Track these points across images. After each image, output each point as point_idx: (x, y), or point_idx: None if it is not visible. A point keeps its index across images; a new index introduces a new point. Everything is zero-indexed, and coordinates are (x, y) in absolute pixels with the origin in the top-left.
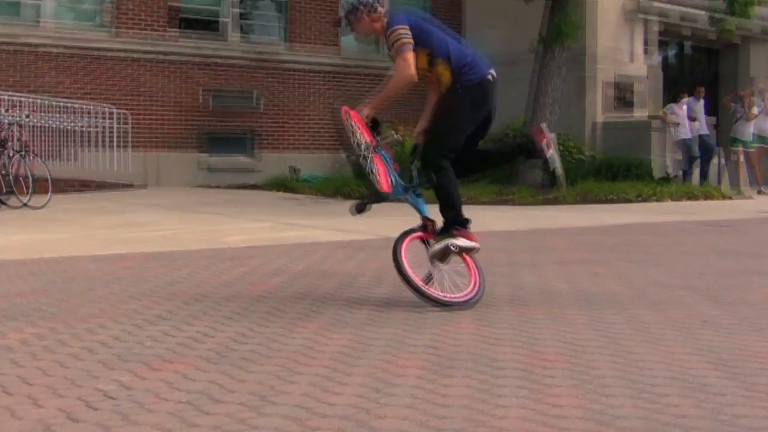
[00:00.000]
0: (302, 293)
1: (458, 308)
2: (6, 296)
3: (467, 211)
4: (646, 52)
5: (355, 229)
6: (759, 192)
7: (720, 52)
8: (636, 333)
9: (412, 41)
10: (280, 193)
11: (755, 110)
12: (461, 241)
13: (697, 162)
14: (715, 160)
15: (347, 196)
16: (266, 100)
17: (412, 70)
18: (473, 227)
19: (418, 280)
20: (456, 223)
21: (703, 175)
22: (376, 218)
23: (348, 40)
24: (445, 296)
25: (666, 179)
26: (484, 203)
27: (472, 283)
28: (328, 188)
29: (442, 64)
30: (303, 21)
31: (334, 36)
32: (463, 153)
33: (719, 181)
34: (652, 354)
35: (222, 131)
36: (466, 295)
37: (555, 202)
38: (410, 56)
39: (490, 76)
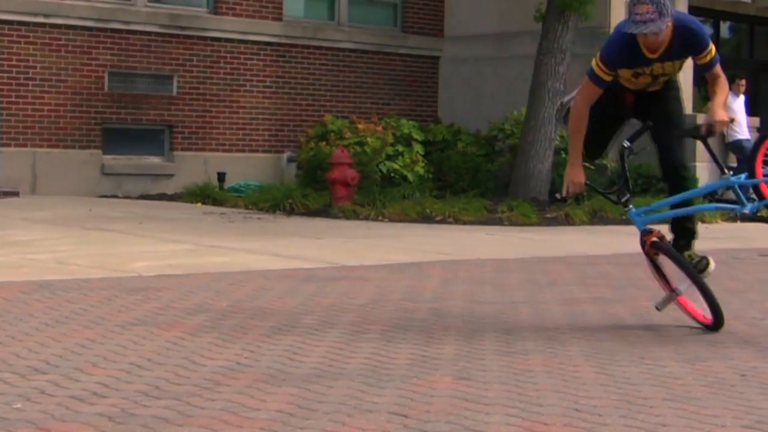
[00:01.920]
0: (229, 337)
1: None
2: None
3: (443, 231)
4: None
5: (300, 255)
6: None
7: None
8: (659, 390)
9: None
10: (203, 206)
11: None
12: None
13: None
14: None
15: (290, 212)
16: (185, 84)
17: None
18: (443, 252)
19: None
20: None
21: None
22: (326, 239)
23: (293, 5)
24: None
25: (714, 193)
26: (467, 222)
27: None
28: (265, 200)
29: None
30: None
31: None
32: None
33: None
34: (677, 417)
35: (126, 124)
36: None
37: (560, 222)
38: None
39: None
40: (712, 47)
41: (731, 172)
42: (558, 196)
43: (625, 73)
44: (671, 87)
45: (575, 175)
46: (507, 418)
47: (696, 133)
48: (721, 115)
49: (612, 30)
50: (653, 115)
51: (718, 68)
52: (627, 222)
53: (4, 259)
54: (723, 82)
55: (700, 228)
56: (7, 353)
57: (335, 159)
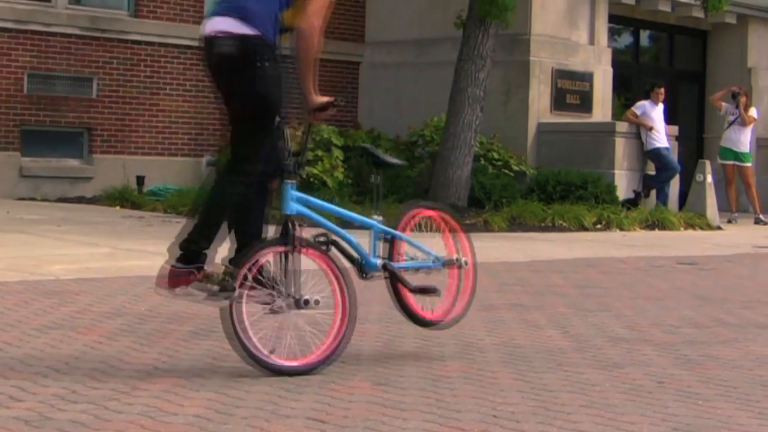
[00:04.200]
0: (146, 341)
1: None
2: None
3: (362, 237)
4: (593, 41)
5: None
6: (757, 221)
7: (709, 35)
8: (577, 396)
9: None
10: (121, 210)
11: (753, 112)
12: None
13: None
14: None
15: None
16: (104, 86)
17: None
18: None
19: None
20: None
21: (663, 198)
22: None
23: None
24: None
25: (633, 201)
26: None
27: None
28: (184, 204)
29: None
30: None
31: (196, 3)
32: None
33: (680, 207)
34: (595, 423)
35: (45, 126)
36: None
37: (479, 228)
38: None
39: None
40: None
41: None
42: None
43: None
44: None
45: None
46: (425, 424)
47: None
48: (314, 100)
49: None
50: None
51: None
52: (545, 229)
53: None
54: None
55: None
56: None
57: None
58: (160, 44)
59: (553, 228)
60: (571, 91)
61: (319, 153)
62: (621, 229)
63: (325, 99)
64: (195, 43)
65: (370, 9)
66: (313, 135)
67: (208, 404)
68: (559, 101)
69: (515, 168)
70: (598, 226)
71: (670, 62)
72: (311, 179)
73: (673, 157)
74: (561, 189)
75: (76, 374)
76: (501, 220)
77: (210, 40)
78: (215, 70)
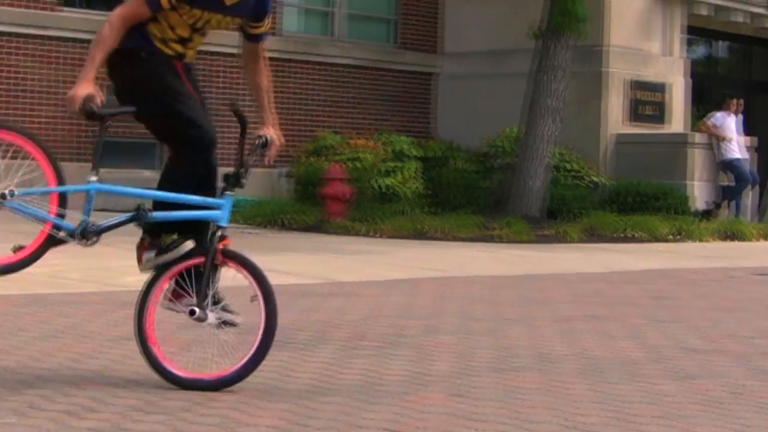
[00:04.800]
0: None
1: None
2: None
3: (437, 248)
4: (668, 52)
5: (293, 271)
6: None
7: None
8: (651, 407)
9: None
10: None
11: None
12: None
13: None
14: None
15: (284, 227)
16: None
17: None
18: (436, 268)
19: None
20: None
21: (738, 209)
22: (320, 255)
23: (290, 20)
24: None
25: (708, 212)
26: (461, 239)
27: None
28: (258, 216)
29: None
30: None
31: (272, 14)
32: None
33: (760, 218)
34: None
35: (120, 137)
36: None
37: (554, 239)
38: None
39: None
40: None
41: None
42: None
43: (187, 17)
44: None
45: (82, 89)
46: None
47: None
48: (280, 136)
49: None
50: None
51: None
52: (620, 240)
53: None
54: (268, 68)
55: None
56: None
57: (330, 174)
58: (236, 55)
59: (628, 239)
60: (646, 102)
61: (395, 164)
62: (700, 241)
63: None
64: (271, 55)
65: (446, 20)
66: (387, 146)
67: (283, 415)
68: (633, 112)
69: (591, 179)
70: (673, 237)
71: (748, 73)
72: (387, 190)
73: (747, 168)
74: (636, 200)
75: (151, 385)
76: (576, 231)
77: None
78: None
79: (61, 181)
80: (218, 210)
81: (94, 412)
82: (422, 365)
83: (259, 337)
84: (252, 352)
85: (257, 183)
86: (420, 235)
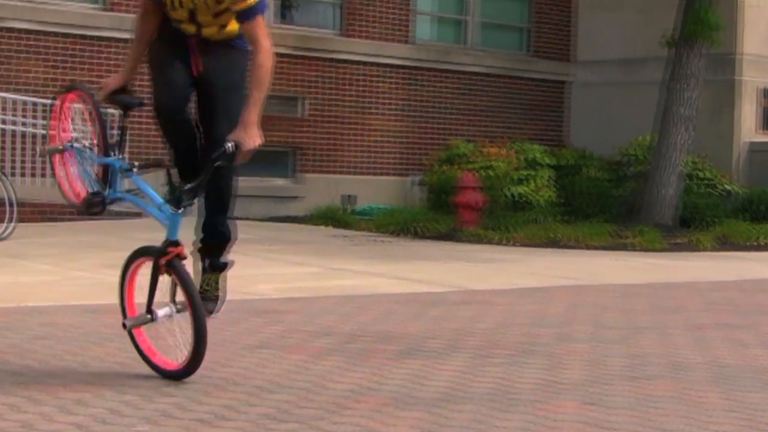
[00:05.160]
0: (354, 361)
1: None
2: None
3: (570, 256)
4: None
5: (426, 279)
6: None
7: None
8: None
9: None
10: (329, 229)
11: None
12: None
13: None
14: None
15: (417, 235)
16: (313, 106)
17: (270, 44)
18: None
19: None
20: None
21: None
22: (453, 263)
23: (422, 29)
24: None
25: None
26: (594, 248)
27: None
28: (391, 224)
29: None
30: (364, 2)
31: (405, 22)
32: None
33: None
34: None
35: None
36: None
37: (687, 248)
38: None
39: None
40: None
41: None
42: None
43: None
44: (236, 55)
45: (112, 79)
46: None
47: (223, 156)
48: (253, 137)
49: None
50: (210, 89)
51: (259, 26)
52: (754, 248)
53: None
54: (264, 59)
55: None
56: (131, 375)
57: (463, 183)
58: (369, 63)
59: (761, 247)
60: None
61: (528, 173)
62: None
63: None
64: (403, 63)
65: (579, 28)
66: (520, 154)
67: (417, 423)
68: (766, 120)
69: (724, 187)
70: None
71: None
72: (520, 198)
73: None
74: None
75: (284, 393)
76: (709, 240)
77: None
78: None
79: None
80: (166, 220)
81: (226, 420)
82: (555, 373)
83: (191, 346)
84: (188, 357)
85: (390, 191)
86: (552, 243)
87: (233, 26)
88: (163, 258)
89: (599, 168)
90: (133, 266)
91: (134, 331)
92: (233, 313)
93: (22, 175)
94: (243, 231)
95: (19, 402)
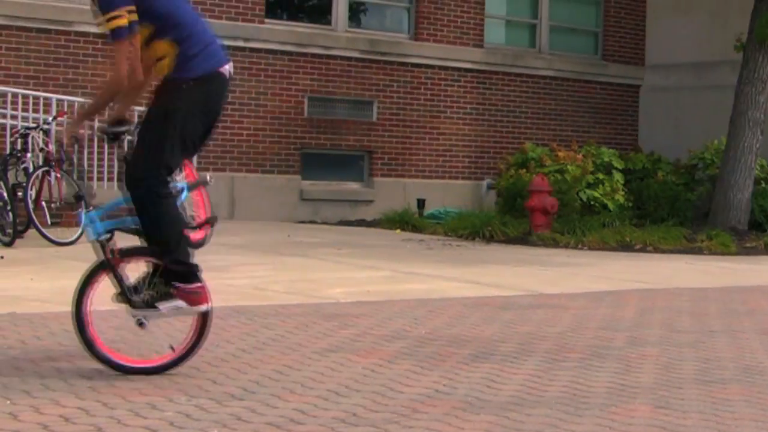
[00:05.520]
0: (426, 364)
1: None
2: (36, 359)
3: (642, 260)
4: None
5: (498, 283)
6: None
7: None
8: None
9: (126, 20)
10: (401, 233)
11: None
12: (177, 303)
13: None
14: None
15: (488, 239)
16: (384, 109)
17: (124, 71)
18: (641, 280)
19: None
20: (177, 276)
21: None
22: (524, 267)
23: (494, 32)
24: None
25: None
26: (666, 251)
27: (181, 347)
28: (463, 228)
29: (167, 43)
30: (435, 5)
31: (476, 26)
32: None
33: None
34: None
35: (325, 149)
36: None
37: (759, 251)
38: (124, 48)
39: (226, 71)
40: (115, 14)
41: None
42: None
43: None
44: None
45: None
46: None
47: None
48: (72, 129)
49: None
50: None
51: (115, 51)
52: None
53: None
54: (110, 79)
55: None
56: (203, 379)
57: (534, 187)
58: (440, 67)
59: None
60: None
61: (600, 176)
62: None
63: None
64: (475, 66)
65: (649, 32)
66: (591, 158)
67: (489, 427)
68: None
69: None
70: None
71: None
72: (591, 202)
73: None
74: None
75: (356, 397)
76: None
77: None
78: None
79: None
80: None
81: (298, 424)
82: (627, 377)
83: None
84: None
85: (461, 194)
86: (624, 247)
87: (165, 61)
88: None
89: (670, 172)
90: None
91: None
92: (304, 317)
93: (99, 179)
94: (314, 235)
95: (91, 406)
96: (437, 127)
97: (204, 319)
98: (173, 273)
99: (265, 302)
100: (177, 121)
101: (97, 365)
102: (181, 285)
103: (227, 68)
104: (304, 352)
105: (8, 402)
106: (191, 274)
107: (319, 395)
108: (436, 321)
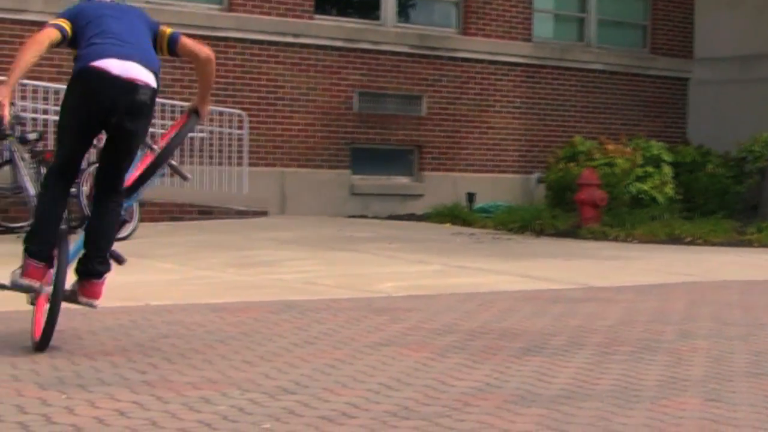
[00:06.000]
0: (476, 358)
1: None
2: (91, 354)
3: (691, 253)
4: None
5: (548, 276)
6: None
7: None
8: None
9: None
10: (450, 227)
11: None
12: (16, 278)
13: None
14: None
15: (539, 233)
16: (433, 104)
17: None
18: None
19: None
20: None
21: None
22: (574, 261)
23: (542, 26)
24: None
25: None
26: (715, 244)
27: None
28: (513, 221)
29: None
30: (483, 0)
31: (525, 20)
32: (96, 179)
33: None
34: None
35: (374, 144)
36: None
37: None
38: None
39: (96, 65)
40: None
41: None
42: None
43: None
44: None
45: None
46: None
47: None
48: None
49: None
50: None
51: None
52: None
53: (252, 279)
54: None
55: None
56: (256, 373)
57: (584, 180)
58: (489, 62)
59: None
60: None
61: (649, 169)
62: None
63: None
64: (524, 61)
65: (696, 25)
66: (640, 151)
67: (540, 420)
68: None
69: None
70: None
71: None
72: (641, 195)
73: None
74: None
75: (407, 391)
76: None
77: (133, 86)
78: (125, 111)
79: None
80: None
81: (351, 417)
82: (677, 370)
83: None
84: None
85: (510, 188)
86: (673, 240)
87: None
88: None
89: (719, 164)
90: None
91: None
92: (354, 311)
93: None
94: (364, 229)
95: (146, 400)
96: (486, 121)
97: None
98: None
99: (316, 297)
100: (60, 115)
101: (151, 359)
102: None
103: (102, 63)
104: (356, 346)
105: (64, 396)
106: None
107: (371, 389)
108: (487, 314)
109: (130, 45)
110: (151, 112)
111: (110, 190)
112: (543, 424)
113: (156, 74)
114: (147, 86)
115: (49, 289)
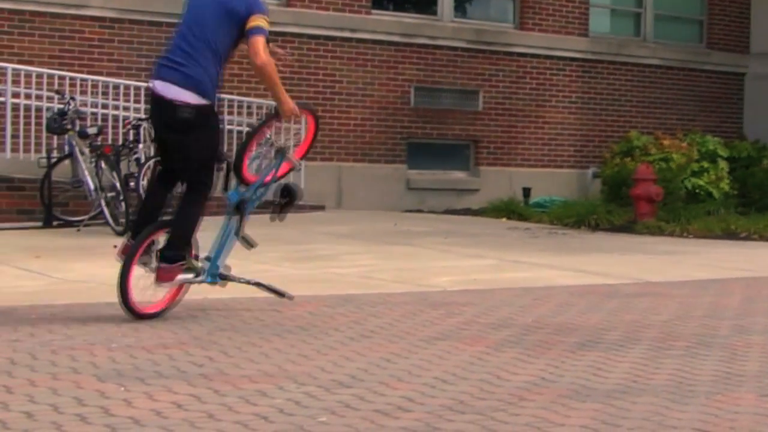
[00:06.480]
0: (531, 353)
1: None
2: (149, 347)
3: (747, 248)
4: None
5: (603, 271)
6: None
7: None
8: None
9: None
10: (506, 221)
11: None
12: None
13: None
14: None
15: (595, 227)
16: (490, 99)
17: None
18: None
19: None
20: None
21: None
22: (629, 256)
23: (598, 21)
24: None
25: None
26: None
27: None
28: (569, 216)
29: None
30: None
31: (581, 15)
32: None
33: None
34: None
35: (431, 138)
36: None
37: None
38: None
39: (154, 86)
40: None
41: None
42: None
43: None
44: None
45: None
46: None
47: None
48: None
49: None
50: None
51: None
52: None
53: (309, 272)
54: None
55: None
56: (312, 367)
57: (639, 175)
58: (546, 57)
59: None
60: None
61: (705, 164)
62: None
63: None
64: (580, 56)
65: (754, 20)
66: (696, 146)
67: (595, 415)
68: None
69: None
70: None
71: None
72: (696, 190)
73: None
74: None
75: (462, 385)
76: None
77: (173, 107)
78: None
79: None
80: None
81: (406, 411)
82: (733, 365)
83: None
84: None
85: (566, 183)
86: (729, 235)
87: None
88: None
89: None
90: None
91: None
92: (410, 305)
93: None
94: (420, 224)
95: (202, 393)
96: (542, 116)
97: None
98: None
99: (372, 291)
100: None
101: (208, 352)
102: None
103: (155, 84)
104: (411, 340)
105: (122, 389)
106: None
107: (426, 383)
108: (542, 309)
109: (176, 64)
110: (199, 126)
111: (187, 186)
112: (598, 419)
113: (198, 90)
114: (186, 105)
115: None
